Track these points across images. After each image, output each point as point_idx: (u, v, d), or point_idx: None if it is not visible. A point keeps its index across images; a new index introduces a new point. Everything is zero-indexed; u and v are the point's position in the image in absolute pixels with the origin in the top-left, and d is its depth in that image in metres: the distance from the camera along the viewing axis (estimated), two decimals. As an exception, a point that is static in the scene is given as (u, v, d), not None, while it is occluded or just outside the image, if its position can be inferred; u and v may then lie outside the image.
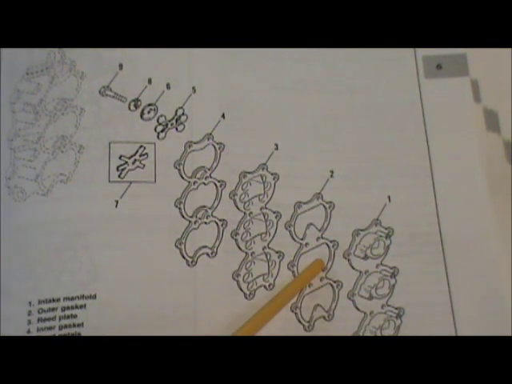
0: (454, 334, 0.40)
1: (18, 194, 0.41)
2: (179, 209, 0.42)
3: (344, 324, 0.40)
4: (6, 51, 0.44)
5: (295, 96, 0.45)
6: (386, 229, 0.42)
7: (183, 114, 0.44)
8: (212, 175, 0.43)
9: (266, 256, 0.42)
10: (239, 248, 0.42)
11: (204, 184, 0.43)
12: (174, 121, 0.44)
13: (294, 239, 0.42)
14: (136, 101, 0.44)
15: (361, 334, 0.40)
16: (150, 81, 0.44)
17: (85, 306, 0.39)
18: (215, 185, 0.43)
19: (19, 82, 0.43)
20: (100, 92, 0.44)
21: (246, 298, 0.41)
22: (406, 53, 0.46)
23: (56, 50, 0.44)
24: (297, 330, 0.40)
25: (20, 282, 0.39)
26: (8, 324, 0.38)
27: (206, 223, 0.42)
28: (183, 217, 0.42)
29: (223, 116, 0.44)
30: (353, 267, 0.42)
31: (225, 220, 0.42)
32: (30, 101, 0.43)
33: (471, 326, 0.40)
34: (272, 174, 0.43)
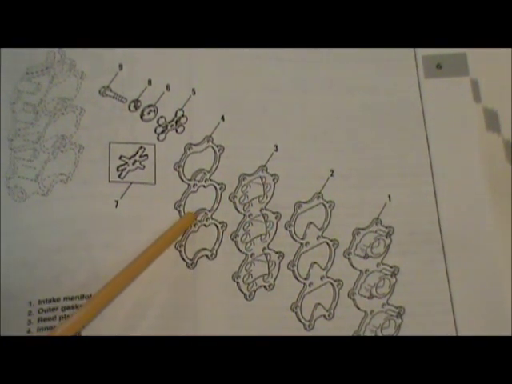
0: (454, 333, 0.40)
1: (18, 194, 0.41)
2: (179, 211, 0.42)
3: (344, 323, 0.40)
4: (5, 51, 0.44)
5: (295, 96, 0.45)
6: (386, 228, 0.42)
7: (183, 115, 0.44)
8: (212, 178, 0.43)
9: (266, 257, 0.42)
10: (239, 250, 0.42)
11: (204, 187, 0.43)
12: (173, 122, 0.44)
13: (294, 239, 0.42)
14: (136, 101, 0.44)
15: (361, 333, 0.40)
16: (149, 82, 0.44)
17: (85, 305, 0.39)
18: (215, 187, 0.43)
19: (19, 82, 0.43)
20: (100, 92, 0.44)
21: (246, 299, 0.41)
22: (405, 53, 0.46)
23: (56, 49, 0.44)
24: (297, 330, 0.40)
25: (20, 282, 0.39)
26: (8, 324, 0.38)
27: (205, 226, 0.42)
28: (183, 219, 0.42)
29: (223, 118, 0.44)
30: (353, 266, 0.42)
31: (224, 222, 0.42)
32: (30, 101, 0.43)
33: (471, 324, 0.40)
34: (272, 176, 0.43)
